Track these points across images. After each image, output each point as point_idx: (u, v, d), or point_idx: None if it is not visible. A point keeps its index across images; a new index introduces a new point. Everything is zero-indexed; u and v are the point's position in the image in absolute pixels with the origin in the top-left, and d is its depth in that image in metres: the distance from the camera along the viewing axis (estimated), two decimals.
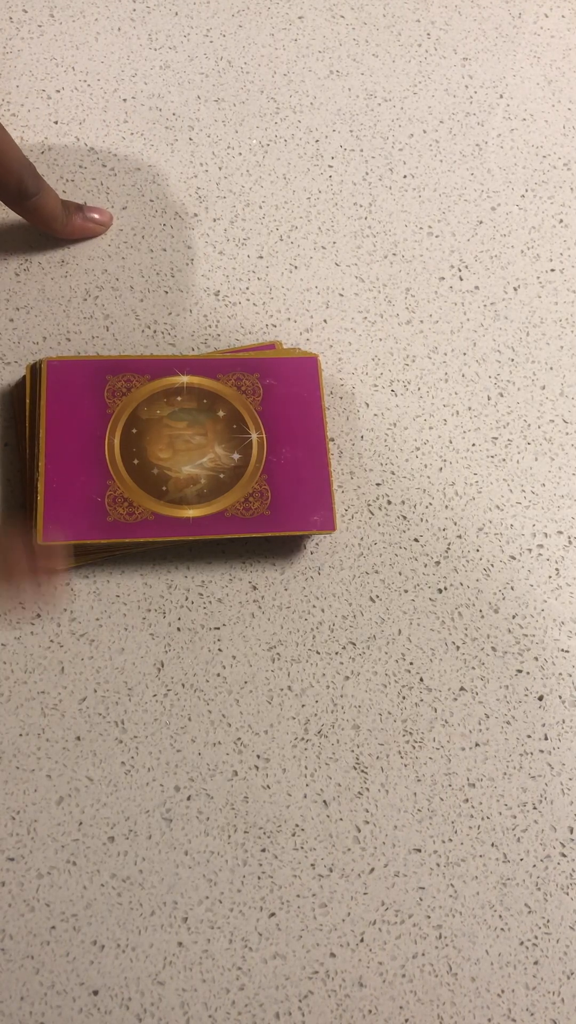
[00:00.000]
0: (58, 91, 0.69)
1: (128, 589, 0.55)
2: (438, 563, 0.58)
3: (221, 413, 0.57)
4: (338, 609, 0.56)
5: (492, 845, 0.52)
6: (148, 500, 0.54)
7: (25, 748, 0.52)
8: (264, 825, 0.51)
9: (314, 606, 0.56)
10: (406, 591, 0.57)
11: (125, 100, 0.70)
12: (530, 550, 0.58)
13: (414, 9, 0.76)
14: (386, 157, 0.70)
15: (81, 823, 0.50)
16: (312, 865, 0.50)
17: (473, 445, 0.61)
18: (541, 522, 0.59)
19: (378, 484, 0.59)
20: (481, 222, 0.68)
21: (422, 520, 0.59)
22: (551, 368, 0.64)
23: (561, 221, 0.69)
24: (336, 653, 0.55)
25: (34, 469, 0.54)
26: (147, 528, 0.53)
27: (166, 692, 0.53)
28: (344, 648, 0.55)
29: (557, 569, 0.58)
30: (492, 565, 0.58)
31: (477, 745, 0.54)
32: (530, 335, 0.65)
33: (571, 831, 0.52)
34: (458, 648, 0.56)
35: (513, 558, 0.58)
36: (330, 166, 0.69)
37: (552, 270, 0.67)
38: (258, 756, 0.52)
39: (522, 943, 0.50)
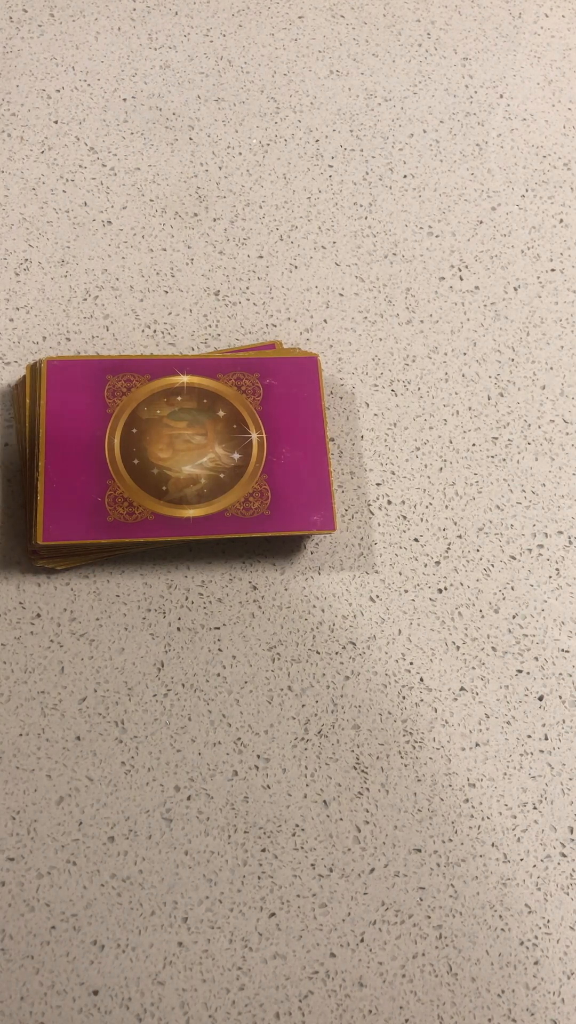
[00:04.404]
0: (58, 91, 0.70)
1: (128, 589, 0.55)
2: (438, 563, 0.58)
3: (221, 413, 0.57)
4: (338, 609, 0.56)
5: (492, 845, 0.52)
6: (148, 500, 0.54)
7: (25, 748, 0.52)
8: (264, 825, 0.51)
9: (314, 606, 0.56)
10: (406, 591, 0.57)
11: (125, 100, 0.70)
12: (530, 550, 0.58)
13: (414, 9, 0.76)
14: (386, 157, 0.70)
15: (81, 823, 0.50)
16: (312, 865, 0.50)
17: (473, 445, 0.61)
18: (541, 522, 0.59)
19: (378, 484, 0.59)
20: (481, 222, 0.68)
21: (422, 520, 0.59)
22: (551, 368, 0.64)
23: (561, 221, 0.69)
24: (336, 653, 0.55)
25: (34, 469, 0.54)
26: (147, 528, 0.53)
27: (166, 692, 0.53)
28: (344, 648, 0.55)
29: (557, 569, 0.58)
30: (492, 565, 0.58)
31: (477, 745, 0.54)
32: (530, 335, 0.65)
33: (571, 831, 0.52)
34: (458, 648, 0.56)
35: (513, 558, 0.58)
36: (330, 166, 0.69)
37: (552, 270, 0.67)
38: (258, 756, 0.52)
39: (522, 943, 0.50)
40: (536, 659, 0.56)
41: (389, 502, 0.59)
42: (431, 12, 0.76)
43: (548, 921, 0.51)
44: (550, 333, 0.65)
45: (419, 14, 0.76)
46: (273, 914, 0.50)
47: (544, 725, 0.54)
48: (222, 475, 0.55)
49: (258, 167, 0.68)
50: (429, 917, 0.50)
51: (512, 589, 0.57)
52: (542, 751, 0.54)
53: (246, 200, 0.67)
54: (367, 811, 0.52)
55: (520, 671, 0.55)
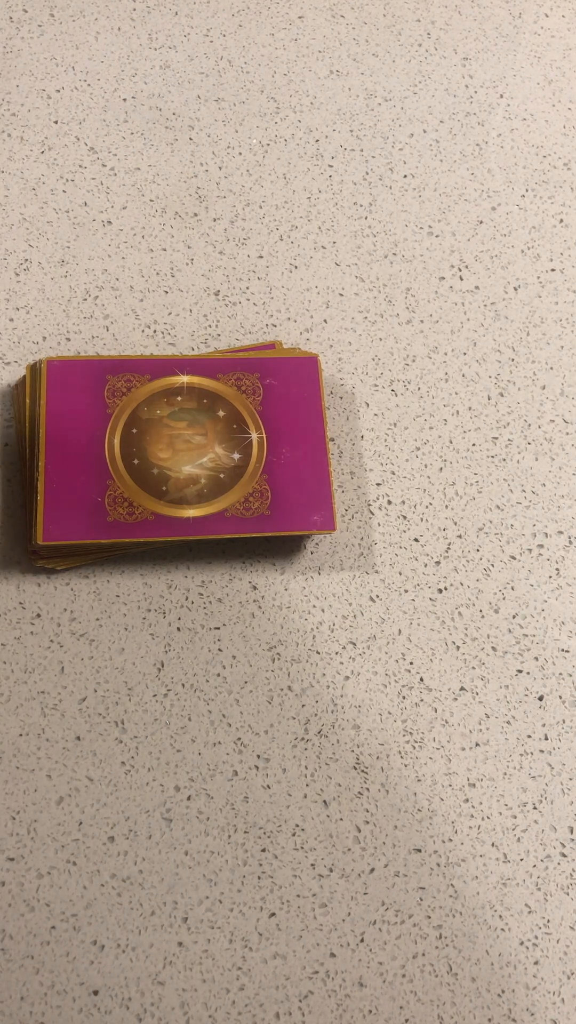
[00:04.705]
0: (58, 91, 0.70)
1: (128, 589, 0.55)
2: (438, 563, 0.58)
3: (221, 413, 0.57)
4: (338, 609, 0.56)
5: (492, 845, 0.52)
6: (148, 500, 0.54)
7: (25, 748, 0.52)
8: (264, 825, 0.51)
9: (314, 606, 0.56)
10: (406, 591, 0.57)
11: (125, 100, 0.70)
12: (530, 550, 0.58)
13: (414, 9, 0.76)
14: (386, 157, 0.70)
15: (81, 823, 0.50)
16: (312, 865, 0.50)
17: (473, 445, 0.61)
18: (541, 522, 0.59)
19: (378, 484, 0.59)
20: (481, 222, 0.68)
21: (422, 520, 0.59)
22: (551, 368, 0.64)
23: (561, 221, 0.69)
24: (336, 653, 0.55)
25: (34, 469, 0.54)
26: (147, 528, 0.53)
27: (166, 692, 0.53)
28: (344, 648, 0.55)
29: (557, 569, 0.58)
30: (492, 565, 0.58)
31: (477, 745, 0.54)
32: (530, 335, 0.65)
33: (571, 831, 0.52)
34: (458, 648, 0.56)
35: (513, 558, 0.58)
36: (330, 166, 0.69)
37: (552, 270, 0.67)
38: (258, 756, 0.52)
39: (522, 943, 0.50)
40: (536, 659, 0.56)
41: (389, 502, 0.59)
42: (431, 12, 0.76)
43: (548, 921, 0.51)
44: (550, 333, 0.65)
45: (419, 14, 0.76)
46: (273, 914, 0.50)
47: (544, 725, 0.54)
48: (222, 475, 0.55)
49: (258, 167, 0.68)
50: (429, 917, 0.50)
51: (512, 589, 0.57)
52: (542, 751, 0.54)
53: (246, 200, 0.67)
54: (367, 811, 0.52)
55: (520, 671, 0.55)
